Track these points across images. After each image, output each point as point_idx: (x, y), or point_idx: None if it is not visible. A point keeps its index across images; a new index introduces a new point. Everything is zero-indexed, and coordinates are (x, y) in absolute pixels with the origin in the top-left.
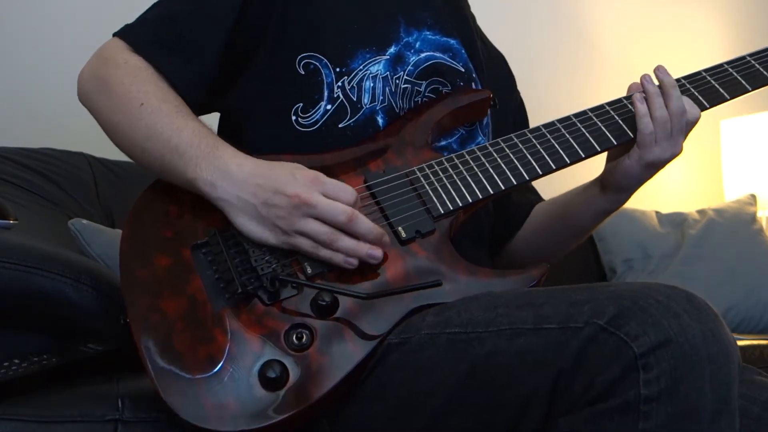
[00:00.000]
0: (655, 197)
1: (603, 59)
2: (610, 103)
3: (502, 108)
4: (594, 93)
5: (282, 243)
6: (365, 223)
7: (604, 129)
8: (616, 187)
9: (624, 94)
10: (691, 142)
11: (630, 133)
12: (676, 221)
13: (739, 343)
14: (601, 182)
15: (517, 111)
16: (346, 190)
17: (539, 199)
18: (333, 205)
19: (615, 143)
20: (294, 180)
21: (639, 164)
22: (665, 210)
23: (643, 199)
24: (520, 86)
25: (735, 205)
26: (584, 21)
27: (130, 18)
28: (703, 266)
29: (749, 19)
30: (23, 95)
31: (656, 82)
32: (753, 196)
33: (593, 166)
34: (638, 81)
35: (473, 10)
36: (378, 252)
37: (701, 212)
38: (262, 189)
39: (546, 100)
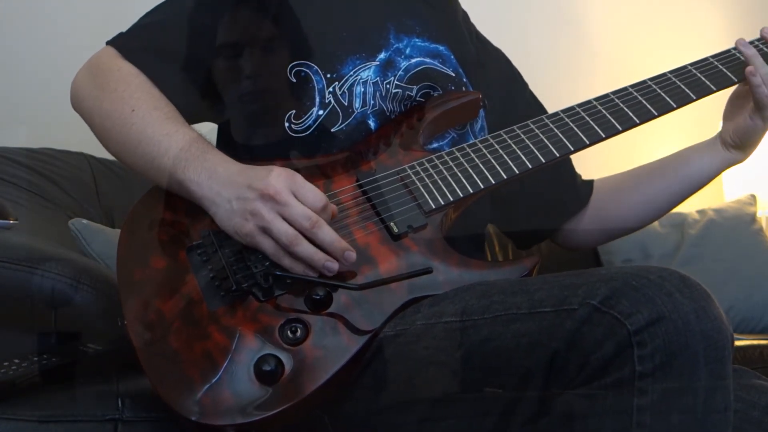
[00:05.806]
0: None
1: (603, 59)
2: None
3: (504, 106)
4: (593, 93)
5: (248, 240)
6: (328, 234)
7: (592, 123)
8: (739, 144)
9: None
10: (690, 143)
11: (626, 125)
12: (675, 221)
13: (739, 343)
14: (723, 141)
15: (528, 106)
16: (316, 194)
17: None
18: (299, 208)
19: (604, 136)
20: (267, 176)
21: (761, 120)
22: None
23: None
24: None
25: (735, 205)
26: (583, 21)
27: (131, 19)
28: (703, 266)
29: (749, 18)
30: (23, 95)
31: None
32: (753, 196)
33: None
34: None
35: (472, 10)
36: (334, 265)
37: (701, 212)
38: (238, 185)
39: (544, 101)
